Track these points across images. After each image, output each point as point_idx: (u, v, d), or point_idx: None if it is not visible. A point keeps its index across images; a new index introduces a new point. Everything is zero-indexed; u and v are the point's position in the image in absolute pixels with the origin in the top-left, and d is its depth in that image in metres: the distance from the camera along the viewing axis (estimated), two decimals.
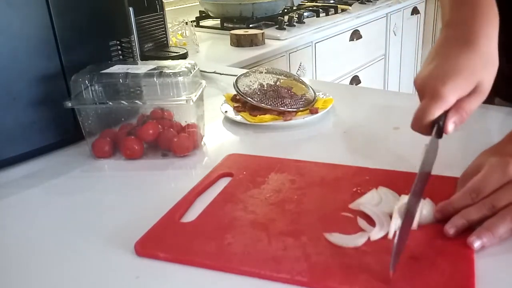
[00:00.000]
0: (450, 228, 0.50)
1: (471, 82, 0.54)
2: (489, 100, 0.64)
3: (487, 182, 0.51)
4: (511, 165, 0.50)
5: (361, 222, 0.54)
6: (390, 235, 0.51)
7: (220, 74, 1.12)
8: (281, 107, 0.87)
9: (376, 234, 0.51)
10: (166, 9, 1.44)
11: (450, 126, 0.54)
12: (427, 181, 0.53)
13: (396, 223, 0.51)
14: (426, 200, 0.54)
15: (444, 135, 0.55)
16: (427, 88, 0.55)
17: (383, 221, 0.53)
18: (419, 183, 0.50)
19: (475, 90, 0.54)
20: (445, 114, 0.54)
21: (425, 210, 0.53)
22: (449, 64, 0.55)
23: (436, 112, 0.53)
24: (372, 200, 0.57)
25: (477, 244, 0.48)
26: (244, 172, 0.67)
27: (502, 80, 0.62)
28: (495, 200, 0.50)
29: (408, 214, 0.49)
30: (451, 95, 0.53)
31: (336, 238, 0.51)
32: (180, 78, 0.72)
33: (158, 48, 1.42)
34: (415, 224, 0.52)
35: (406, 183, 0.57)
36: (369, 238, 0.51)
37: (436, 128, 0.54)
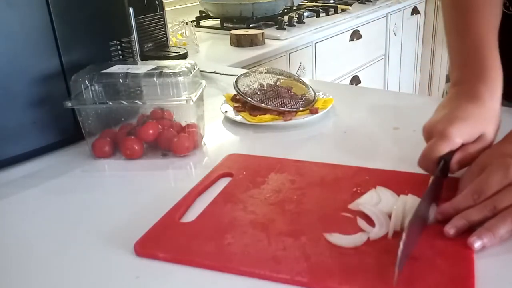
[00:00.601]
0: (451, 229, 0.50)
1: (476, 130, 0.58)
2: None
3: (489, 184, 0.51)
4: None
5: (361, 222, 0.54)
6: (390, 235, 0.51)
7: (220, 74, 1.12)
8: (281, 107, 0.87)
9: (375, 234, 0.51)
10: (166, 9, 1.44)
11: (455, 163, 0.57)
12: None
13: (395, 223, 0.51)
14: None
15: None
16: (435, 130, 0.59)
17: (382, 221, 0.53)
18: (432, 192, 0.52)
19: (480, 139, 0.58)
20: (451, 155, 0.57)
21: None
22: (457, 111, 0.59)
23: (443, 149, 0.57)
24: (371, 200, 0.57)
25: (477, 244, 0.48)
26: (244, 172, 0.67)
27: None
28: (497, 202, 0.50)
29: (418, 215, 0.49)
30: (458, 136, 0.57)
31: (336, 238, 0.51)
32: (180, 78, 0.72)
33: (158, 48, 1.42)
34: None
35: (406, 183, 0.57)
36: (368, 238, 0.51)
37: (442, 164, 0.57)
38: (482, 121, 0.59)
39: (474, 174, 0.54)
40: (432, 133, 0.59)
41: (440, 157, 0.57)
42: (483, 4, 0.67)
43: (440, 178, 0.57)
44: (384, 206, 0.55)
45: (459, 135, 0.57)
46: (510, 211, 0.49)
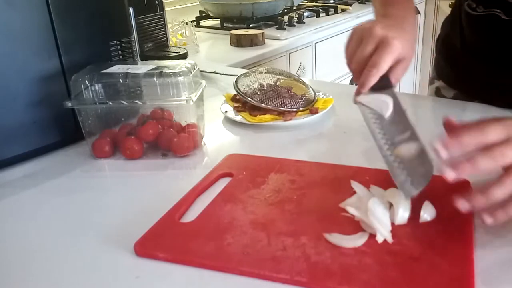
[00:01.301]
0: (465, 205, 0.48)
1: (405, 50, 0.63)
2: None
3: (489, 130, 0.49)
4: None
5: (361, 223, 0.54)
6: (378, 239, 0.51)
7: (220, 74, 1.12)
8: (281, 107, 0.87)
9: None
10: (166, 9, 1.44)
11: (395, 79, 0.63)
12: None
13: (384, 222, 0.52)
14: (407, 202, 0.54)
15: None
16: (376, 34, 0.62)
17: (366, 224, 0.53)
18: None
19: (402, 61, 0.63)
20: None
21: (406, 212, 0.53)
22: (391, 25, 0.64)
23: (389, 59, 0.60)
24: (360, 201, 0.57)
25: (489, 221, 0.48)
26: (244, 172, 0.67)
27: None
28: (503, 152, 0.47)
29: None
30: (399, 47, 0.61)
31: (336, 238, 0.51)
32: (180, 78, 0.72)
33: (158, 48, 1.42)
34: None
35: None
36: (368, 238, 0.51)
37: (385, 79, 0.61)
38: (406, 47, 0.63)
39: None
40: (373, 37, 0.62)
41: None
42: None
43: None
44: (373, 206, 0.55)
45: (400, 48, 0.61)
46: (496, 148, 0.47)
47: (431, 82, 1.05)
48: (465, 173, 0.47)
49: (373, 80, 0.60)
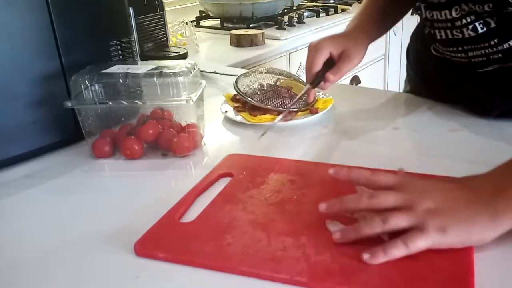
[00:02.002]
0: (323, 204, 0.52)
1: (340, 44, 0.86)
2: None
3: (379, 177, 0.52)
4: (407, 176, 0.53)
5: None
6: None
7: (220, 74, 1.12)
8: (281, 107, 0.87)
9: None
10: (166, 9, 1.44)
11: (319, 67, 0.87)
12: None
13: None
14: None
15: None
16: (312, 44, 0.88)
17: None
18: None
19: (343, 54, 0.85)
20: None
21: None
22: (330, 36, 0.89)
23: (320, 59, 0.86)
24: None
25: (337, 236, 0.50)
26: (244, 172, 0.67)
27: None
28: (376, 194, 0.50)
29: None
30: (326, 47, 0.85)
31: (336, 226, 0.52)
32: (180, 78, 0.72)
33: (158, 48, 1.42)
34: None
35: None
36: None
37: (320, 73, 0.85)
38: (344, 41, 0.86)
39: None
40: (310, 48, 0.88)
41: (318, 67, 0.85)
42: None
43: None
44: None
45: (327, 47, 0.85)
46: (380, 216, 0.48)
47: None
48: (334, 209, 0.52)
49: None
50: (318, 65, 0.85)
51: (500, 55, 0.74)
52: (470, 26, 0.72)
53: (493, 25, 0.70)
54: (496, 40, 0.72)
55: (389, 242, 0.47)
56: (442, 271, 0.46)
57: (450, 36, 0.76)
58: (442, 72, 0.88)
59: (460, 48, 0.77)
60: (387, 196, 0.49)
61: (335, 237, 0.50)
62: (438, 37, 0.79)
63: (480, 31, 0.72)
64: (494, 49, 0.73)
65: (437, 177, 0.56)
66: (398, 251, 0.46)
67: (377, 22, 0.91)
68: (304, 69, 0.88)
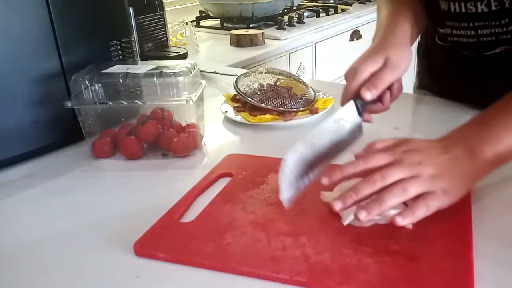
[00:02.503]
0: (338, 203, 0.52)
1: (378, 58, 0.67)
2: None
3: (375, 157, 0.55)
4: (397, 150, 0.55)
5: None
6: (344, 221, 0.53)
7: (220, 74, 1.12)
8: (281, 107, 0.87)
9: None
10: (166, 9, 1.44)
11: (364, 90, 0.64)
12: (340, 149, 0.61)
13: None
14: None
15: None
16: (348, 71, 0.68)
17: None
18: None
19: (386, 63, 0.67)
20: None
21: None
22: (365, 53, 0.70)
23: (353, 85, 0.65)
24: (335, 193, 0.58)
25: (363, 216, 0.50)
26: (244, 172, 0.67)
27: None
28: (385, 172, 0.52)
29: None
30: (362, 70, 0.66)
31: (329, 198, 0.54)
32: (180, 78, 0.72)
33: (158, 48, 1.42)
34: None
35: None
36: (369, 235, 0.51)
37: (353, 102, 0.63)
38: (383, 50, 0.69)
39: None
40: (347, 76, 0.68)
41: (354, 93, 0.65)
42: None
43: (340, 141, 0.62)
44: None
45: (364, 69, 0.66)
46: (398, 184, 0.52)
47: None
48: (349, 202, 0.52)
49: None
50: (351, 88, 0.66)
51: (508, 35, 0.74)
52: (485, 1, 0.72)
53: (507, 5, 0.71)
54: (507, 20, 0.72)
55: (414, 203, 0.52)
56: (442, 271, 0.46)
57: (463, 10, 0.76)
58: (449, 63, 0.88)
59: (471, 24, 0.77)
60: (394, 172, 0.52)
61: (361, 217, 0.50)
62: (452, 10, 0.78)
63: (493, 7, 0.72)
64: (504, 28, 0.74)
65: (413, 143, 0.58)
66: (422, 212, 0.51)
67: (410, 19, 0.77)
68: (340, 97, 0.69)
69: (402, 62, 0.68)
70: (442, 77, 0.94)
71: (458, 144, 0.56)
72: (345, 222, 0.53)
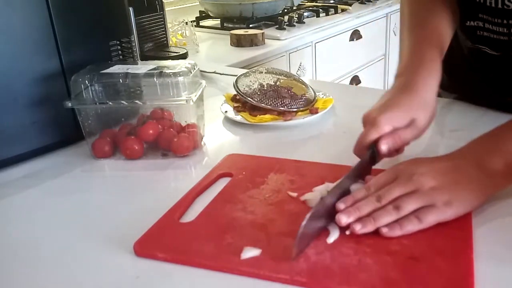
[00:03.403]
0: (342, 216, 0.52)
1: (405, 116, 0.62)
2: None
3: (378, 178, 0.56)
4: (400, 164, 0.56)
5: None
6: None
7: (220, 74, 1.12)
8: (281, 107, 0.87)
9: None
10: (166, 9, 1.44)
11: (383, 145, 0.60)
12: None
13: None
14: None
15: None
16: (368, 118, 0.63)
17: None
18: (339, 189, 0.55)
19: (411, 125, 0.63)
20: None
21: None
22: (390, 100, 0.64)
23: (371, 136, 0.61)
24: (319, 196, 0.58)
25: (358, 227, 0.51)
26: (244, 172, 0.67)
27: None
28: (382, 192, 0.53)
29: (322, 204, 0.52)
30: (386, 123, 0.61)
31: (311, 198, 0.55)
32: (180, 78, 0.72)
33: (158, 48, 1.42)
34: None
35: None
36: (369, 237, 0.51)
37: (370, 151, 0.61)
38: (413, 109, 0.63)
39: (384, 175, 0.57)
40: (366, 121, 0.64)
41: (370, 143, 0.61)
42: (440, 5, 0.75)
43: (367, 163, 0.61)
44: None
45: (388, 122, 0.61)
46: (393, 203, 0.52)
47: None
48: (352, 217, 0.52)
49: None
50: (369, 139, 0.62)
51: None
52: None
53: None
54: None
55: (404, 218, 0.51)
56: (442, 271, 0.46)
57: (499, 5, 0.73)
58: (469, 59, 0.87)
59: (505, 21, 0.75)
60: (392, 190, 0.53)
61: (356, 228, 0.50)
62: (488, 4, 0.75)
63: None
64: None
65: (420, 159, 0.58)
66: (413, 225, 0.51)
67: (439, 53, 0.71)
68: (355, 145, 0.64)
69: (427, 125, 0.65)
70: (459, 73, 0.92)
71: (466, 156, 0.56)
72: (330, 240, 0.51)
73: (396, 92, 0.66)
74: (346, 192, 0.56)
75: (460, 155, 0.57)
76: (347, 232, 0.52)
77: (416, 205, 0.52)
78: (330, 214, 0.53)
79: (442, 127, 0.81)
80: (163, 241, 0.53)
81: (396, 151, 0.63)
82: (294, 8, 2.09)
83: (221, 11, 1.88)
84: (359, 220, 0.52)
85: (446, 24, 0.75)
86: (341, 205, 0.53)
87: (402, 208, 0.51)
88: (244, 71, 0.99)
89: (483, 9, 0.77)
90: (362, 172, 0.60)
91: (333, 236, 0.51)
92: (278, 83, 0.93)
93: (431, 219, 0.51)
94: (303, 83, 0.95)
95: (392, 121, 0.62)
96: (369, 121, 0.63)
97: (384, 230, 0.50)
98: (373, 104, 0.66)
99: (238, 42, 1.65)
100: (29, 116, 0.74)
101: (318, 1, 2.33)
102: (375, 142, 0.61)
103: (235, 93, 0.91)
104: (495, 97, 0.84)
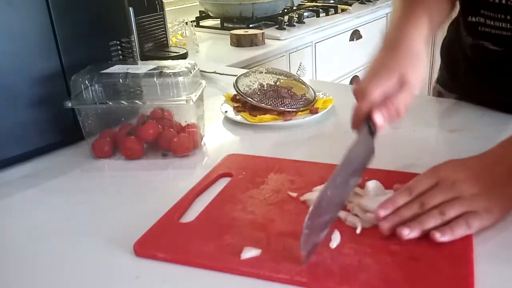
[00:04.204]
0: (384, 224, 0.52)
1: (390, 76, 0.60)
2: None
3: (418, 182, 0.55)
4: (440, 169, 0.56)
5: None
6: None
7: (220, 74, 1.12)
8: (281, 107, 0.87)
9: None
10: (166, 9, 1.44)
11: (376, 116, 0.57)
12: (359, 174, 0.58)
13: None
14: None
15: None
16: (358, 89, 0.61)
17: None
18: (340, 177, 0.53)
19: (401, 84, 0.59)
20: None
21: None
22: (373, 65, 0.63)
23: (362, 107, 0.59)
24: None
25: (406, 232, 0.50)
26: (244, 172, 0.67)
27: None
28: (424, 199, 0.53)
29: (321, 203, 0.50)
30: (374, 91, 0.59)
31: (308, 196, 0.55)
32: (180, 78, 0.72)
33: (158, 48, 1.42)
34: (359, 228, 0.53)
35: (405, 183, 0.57)
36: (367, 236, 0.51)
37: (365, 125, 0.58)
38: (400, 64, 0.61)
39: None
40: (356, 93, 0.61)
41: (364, 116, 0.59)
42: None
43: (365, 138, 0.58)
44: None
45: (376, 89, 0.58)
46: (437, 208, 0.52)
47: (432, 84, 1.05)
48: (391, 222, 0.52)
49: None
50: (361, 111, 0.60)
51: None
52: None
53: None
54: None
55: (454, 222, 0.51)
56: (442, 271, 0.46)
57: (503, 1, 0.74)
58: (470, 56, 0.87)
59: (508, 17, 0.75)
60: (435, 196, 0.53)
61: (404, 233, 0.50)
62: (491, 0, 0.75)
63: None
64: None
65: (456, 163, 0.57)
66: (462, 230, 0.50)
67: (426, 17, 0.69)
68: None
69: (417, 81, 0.61)
70: (459, 74, 0.92)
71: (501, 162, 0.55)
72: (333, 245, 0.51)
73: (381, 51, 0.65)
74: (345, 184, 0.55)
75: (496, 158, 0.56)
76: (358, 231, 0.52)
77: (459, 211, 0.52)
78: (333, 207, 0.53)
79: (442, 127, 0.81)
80: (163, 241, 0.53)
81: (397, 114, 0.59)
82: (294, 8, 2.09)
83: (221, 11, 1.88)
84: (404, 224, 0.51)
85: (436, 6, 0.74)
86: (381, 212, 0.53)
87: (446, 213, 0.51)
88: (244, 71, 0.99)
89: (485, 5, 0.77)
90: (359, 151, 0.57)
91: (335, 241, 0.51)
92: (278, 83, 0.93)
93: (476, 224, 0.51)
94: (303, 83, 0.95)
95: (381, 86, 0.59)
96: (359, 93, 0.60)
97: (438, 235, 0.50)
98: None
99: (238, 42, 1.65)
100: (29, 116, 0.74)
101: (318, 1, 2.33)
102: (369, 114, 0.58)
103: (235, 93, 0.91)
104: (495, 97, 0.84)
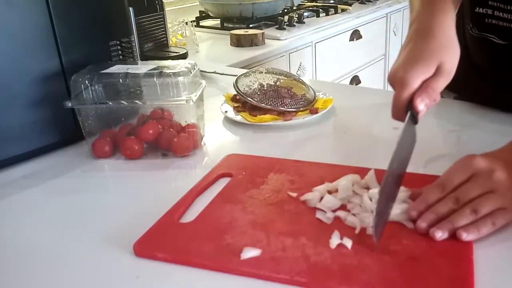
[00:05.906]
0: (422, 223, 0.51)
1: (430, 65, 0.60)
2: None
3: (452, 176, 0.54)
4: (474, 161, 0.54)
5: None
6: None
7: (220, 74, 1.12)
8: (281, 107, 0.87)
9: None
10: (166, 9, 1.44)
11: (418, 102, 0.58)
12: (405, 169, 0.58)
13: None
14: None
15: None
16: (395, 79, 0.60)
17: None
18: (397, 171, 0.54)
19: (439, 71, 0.60)
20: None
21: (399, 209, 0.54)
22: (411, 54, 0.61)
23: (404, 96, 0.59)
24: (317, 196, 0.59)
25: (439, 235, 0.50)
26: (243, 172, 0.67)
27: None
28: (459, 194, 0.52)
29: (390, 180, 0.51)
30: (413, 79, 0.58)
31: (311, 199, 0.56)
32: (180, 78, 0.72)
33: (158, 48, 1.42)
34: (358, 228, 0.53)
35: (405, 183, 0.57)
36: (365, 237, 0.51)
37: (409, 114, 0.58)
38: (437, 52, 0.60)
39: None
40: (394, 83, 0.61)
41: (405, 104, 0.59)
42: None
43: (410, 126, 0.58)
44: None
45: (416, 77, 0.58)
46: (470, 205, 0.51)
47: None
48: (427, 221, 0.51)
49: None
50: (402, 101, 0.59)
51: None
52: None
53: None
54: None
55: (480, 220, 0.50)
56: (442, 271, 0.46)
57: None
58: (474, 50, 0.86)
59: None
60: (470, 191, 0.52)
61: (437, 236, 0.50)
62: None
63: None
64: None
65: (489, 154, 0.56)
66: (488, 229, 0.50)
67: (451, 1, 0.67)
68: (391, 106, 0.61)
69: (454, 68, 0.61)
70: (460, 73, 0.92)
71: None
72: (333, 245, 0.51)
73: (415, 40, 0.63)
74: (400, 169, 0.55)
75: None
76: (357, 231, 0.52)
77: (492, 209, 0.51)
78: (394, 190, 0.53)
79: (442, 127, 0.81)
80: (163, 241, 0.53)
81: (434, 100, 0.60)
82: (294, 8, 2.09)
83: (221, 11, 1.88)
84: (436, 225, 0.51)
85: None
86: (413, 213, 0.53)
87: (479, 212, 0.51)
88: (244, 71, 0.99)
89: None
90: (407, 141, 0.57)
91: (335, 241, 0.51)
92: (278, 83, 0.93)
93: (503, 222, 0.51)
94: (303, 83, 0.95)
95: (419, 74, 0.59)
96: (396, 81, 0.60)
97: (464, 235, 0.49)
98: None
99: (238, 42, 1.65)
100: (29, 116, 0.74)
101: (318, 1, 2.33)
102: (410, 101, 0.58)
103: (235, 93, 0.91)
104: (495, 97, 0.84)
